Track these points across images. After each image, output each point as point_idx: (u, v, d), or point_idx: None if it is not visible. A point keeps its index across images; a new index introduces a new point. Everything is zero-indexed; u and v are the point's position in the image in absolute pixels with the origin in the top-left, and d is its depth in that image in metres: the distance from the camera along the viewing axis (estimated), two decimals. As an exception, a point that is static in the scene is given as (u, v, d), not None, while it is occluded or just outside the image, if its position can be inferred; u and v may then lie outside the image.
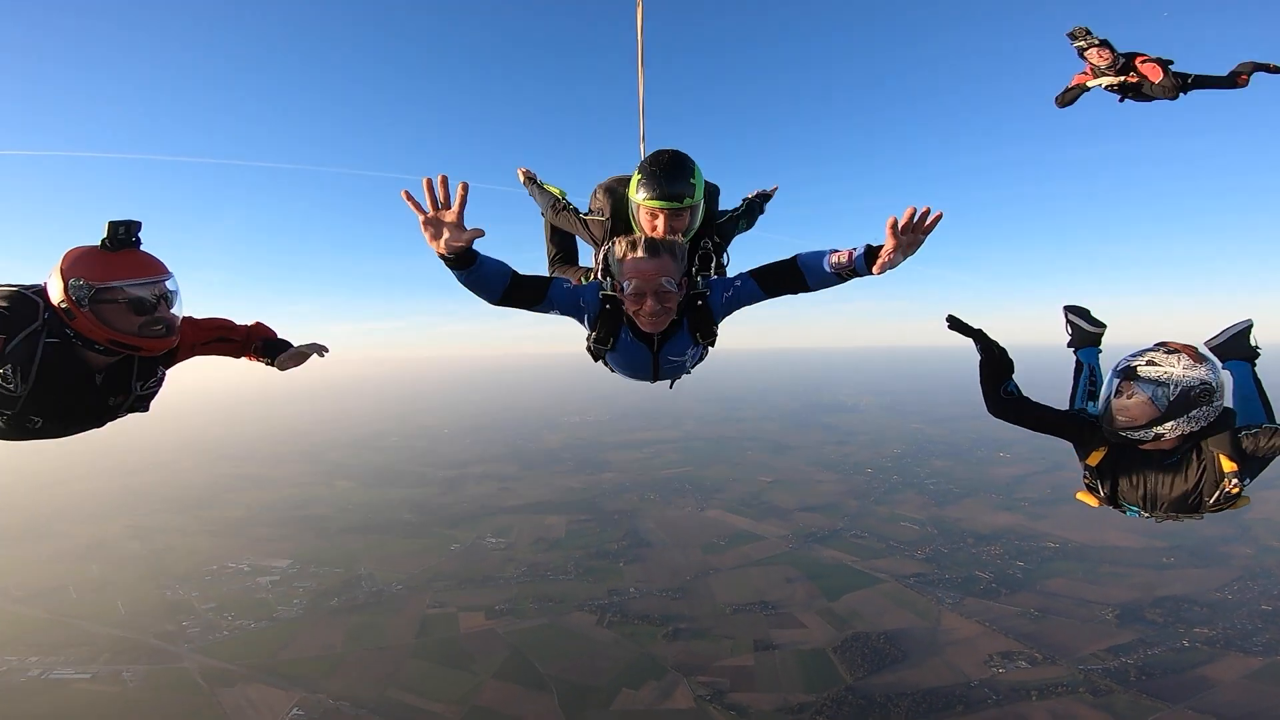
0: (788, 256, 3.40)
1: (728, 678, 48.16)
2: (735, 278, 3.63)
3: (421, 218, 2.81)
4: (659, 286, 3.24)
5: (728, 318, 3.72)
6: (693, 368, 4.06)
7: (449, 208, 2.80)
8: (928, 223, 2.97)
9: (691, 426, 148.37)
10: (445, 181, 2.77)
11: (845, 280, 3.33)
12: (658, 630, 55.05)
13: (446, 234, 2.86)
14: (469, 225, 2.86)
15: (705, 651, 49.56)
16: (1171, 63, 6.92)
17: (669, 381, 4.20)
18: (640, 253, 3.25)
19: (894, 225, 2.95)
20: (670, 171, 3.61)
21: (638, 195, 3.67)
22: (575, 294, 3.57)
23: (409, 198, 2.75)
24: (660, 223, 3.65)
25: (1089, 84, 7.24)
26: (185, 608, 59.06)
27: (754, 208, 4.61)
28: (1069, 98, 7.61)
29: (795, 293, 3.48)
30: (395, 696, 46.10)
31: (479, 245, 3.07)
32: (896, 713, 43.31)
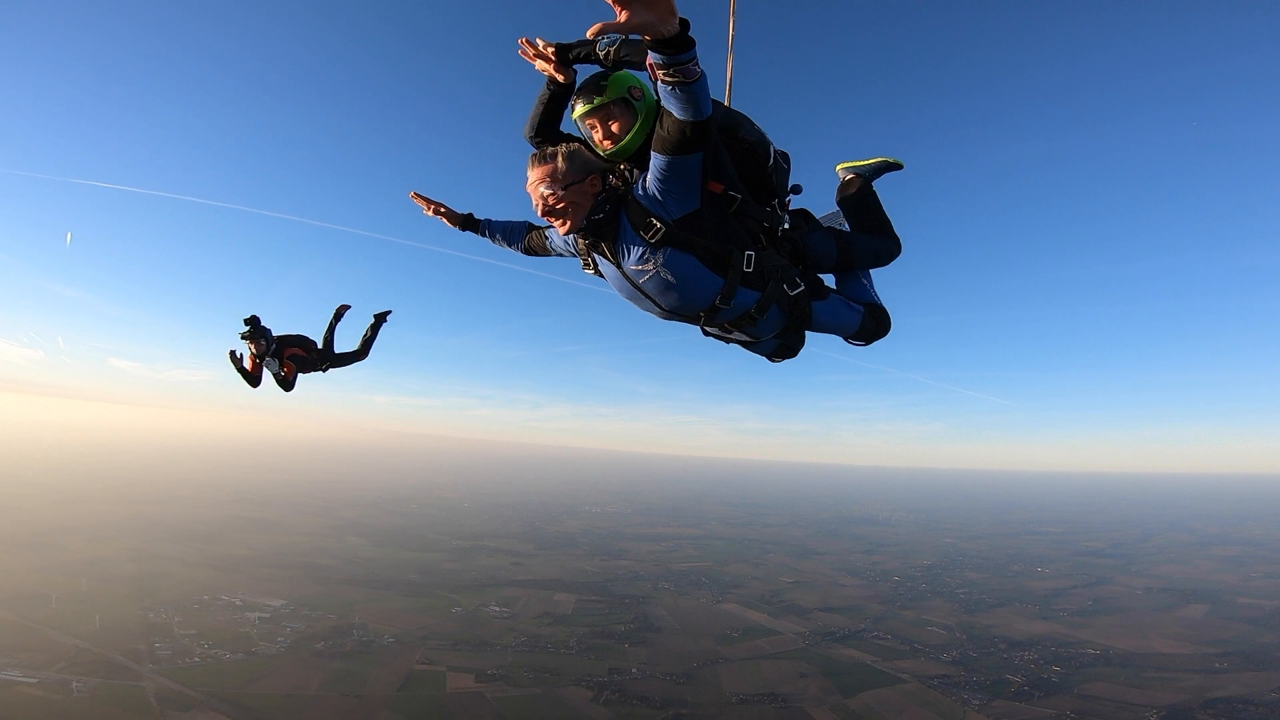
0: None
1: (732, 771, 41.16)
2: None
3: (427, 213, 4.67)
4: (541, 192, 3.35)
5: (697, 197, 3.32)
6: (710, 296, 3.53)
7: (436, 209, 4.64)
8: None
9: (714, 526, 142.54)
10: (419, 195, 4.54)
11: (677, 86, 2.71)
12: (657, 714, 48.06)
13: (445, 219, 4.65)
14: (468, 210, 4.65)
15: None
16: None
17: (699, 316, 3.73)
18: (528, 168, 3.41)
19: None
20: (586, 82, 3.64)
21: (574, 112, 3.71)
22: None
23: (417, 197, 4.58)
24: (599, 132, 3.62)
25: None
26: (163, 630, 54.96)
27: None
28: None
29: (682, 139, 3.00)
30: (361, 748, 40.44)
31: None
32: None
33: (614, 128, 3.57)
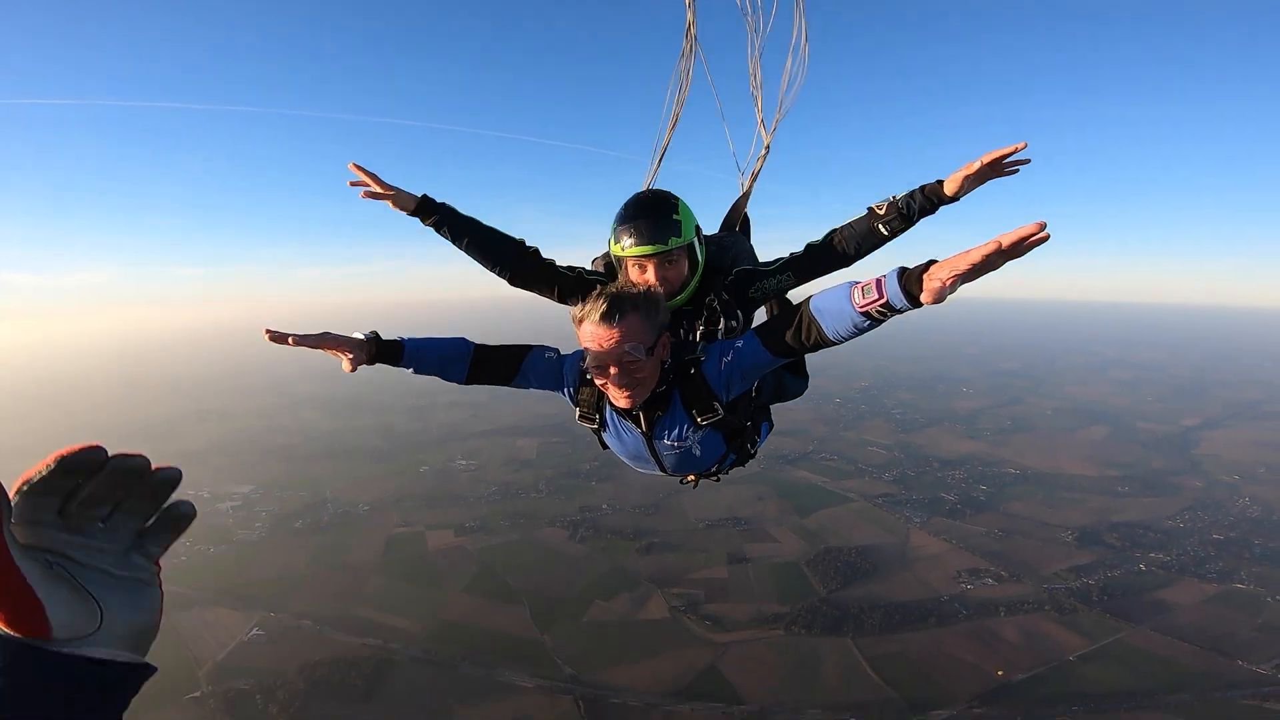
0: (799, 302, 2.64)
1: (702, 589, 47.91)
2: (738, 338, 2.86)
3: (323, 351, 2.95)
4: (622, 354, 2.65)
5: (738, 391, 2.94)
6: (722, 466, 3.43)
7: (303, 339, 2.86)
8: (1030, 241, 1.91)
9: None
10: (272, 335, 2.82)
11: (881, 323, 2.35)
12: (630, 545, 54.34)
13: (338, 351, 2.94)
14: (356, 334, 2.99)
15: (679, 564, 48.86)
16: None
17: (692, 479, 3.66)
18: (596, 315, 2.64)
19: (999, 247, 1.94)
20: (650, 212, 3.15)
21: (619, 246, 3.17)
22: (556, 365, 3.17)
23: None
24: (650, 274, 3.17)
25: None
26: None
27: (804, 261, 3.37)
28: None
29: (817, 349, 2.61)
30: (359, 613, 44.75)
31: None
32: (870, 623, 43.28)
33: (671, 275, 3.18)
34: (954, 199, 3.04)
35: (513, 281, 3.51)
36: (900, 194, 3.10)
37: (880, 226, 3.12)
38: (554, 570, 51.06)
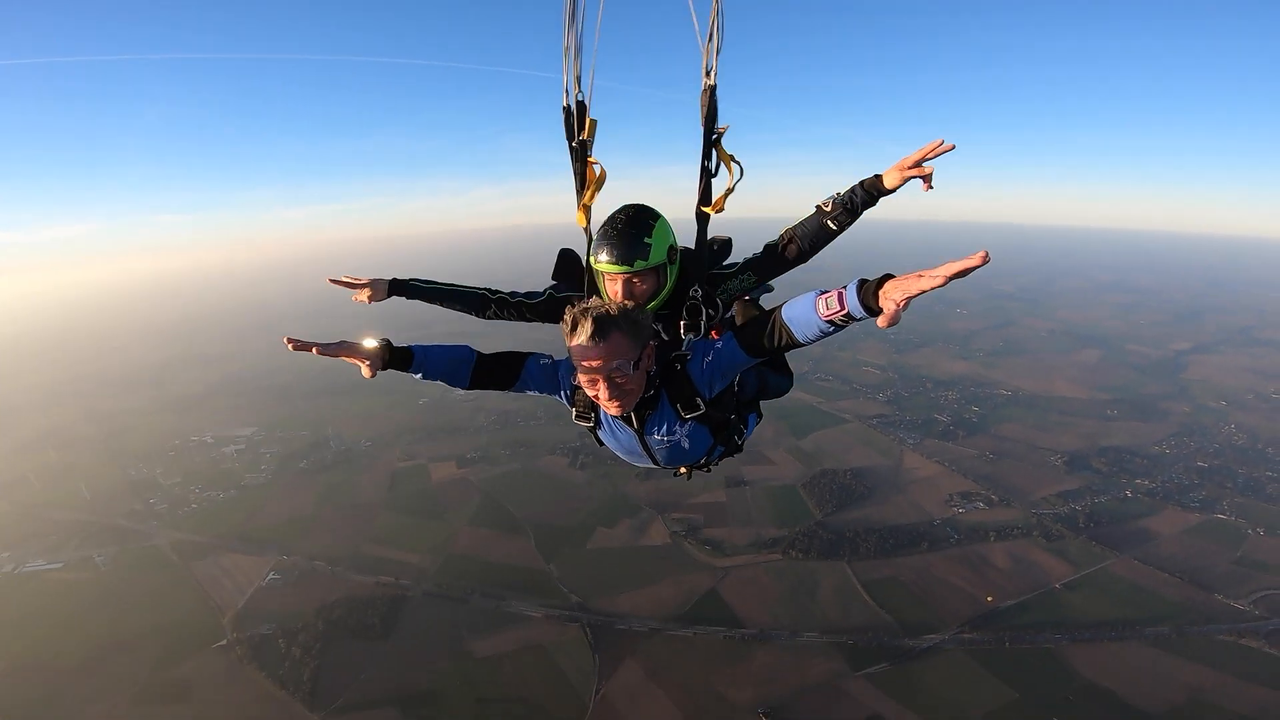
0: (772, 308, 2.93)
1: (701, 514, 48.83)
2: (718, 339, 3.15)
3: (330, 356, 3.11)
4: (610, 371, 2.91)
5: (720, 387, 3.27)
6: (711, 457, 3.79)
7: (325, 349, 3.05)
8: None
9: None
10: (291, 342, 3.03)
11: (843, 328, 2.72)
12: (630, 470, 54.40)
13: (356, 359, 3.16)
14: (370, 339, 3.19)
15: (678, 489, 49.42)
16: None
17: (684, 470, 3.96)
18: (583, 338, 2.85)
19: (922, 279, 2.40)
20: (625, 231, 3.39)
21: (595, 259, 3.45)
22: (551, 370, 3.42)
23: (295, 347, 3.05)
24: (619, 287, 3.45)
25: None
26: (150, 485, 57.85)
27: (764, 261, 3.69)
28: None
29: (788, 350, 2.95)
30: (370, 551, 46.08)
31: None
32: (865, 547, 44.24)
33: (639, 290, 3.46)
34: (892, 190, 3.26)
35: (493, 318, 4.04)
36: (843, 190, 3.35)
37: (829, 223, 3.39)
38: (556, 499, 52.13)
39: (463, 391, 3.55)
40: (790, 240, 3.52)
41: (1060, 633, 36.45)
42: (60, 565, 46.52)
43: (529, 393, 3.49)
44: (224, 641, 37.66)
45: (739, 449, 3.98)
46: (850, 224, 3.41)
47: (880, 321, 2.40)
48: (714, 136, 3.47)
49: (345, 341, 3.12)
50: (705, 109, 3.51)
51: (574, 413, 3.44)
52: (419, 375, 3.35)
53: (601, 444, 3.64)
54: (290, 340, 3.02)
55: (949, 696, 32.51)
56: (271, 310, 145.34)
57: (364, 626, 38.27)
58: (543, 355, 3.45)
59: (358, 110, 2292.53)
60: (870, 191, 3.26)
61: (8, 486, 59.50)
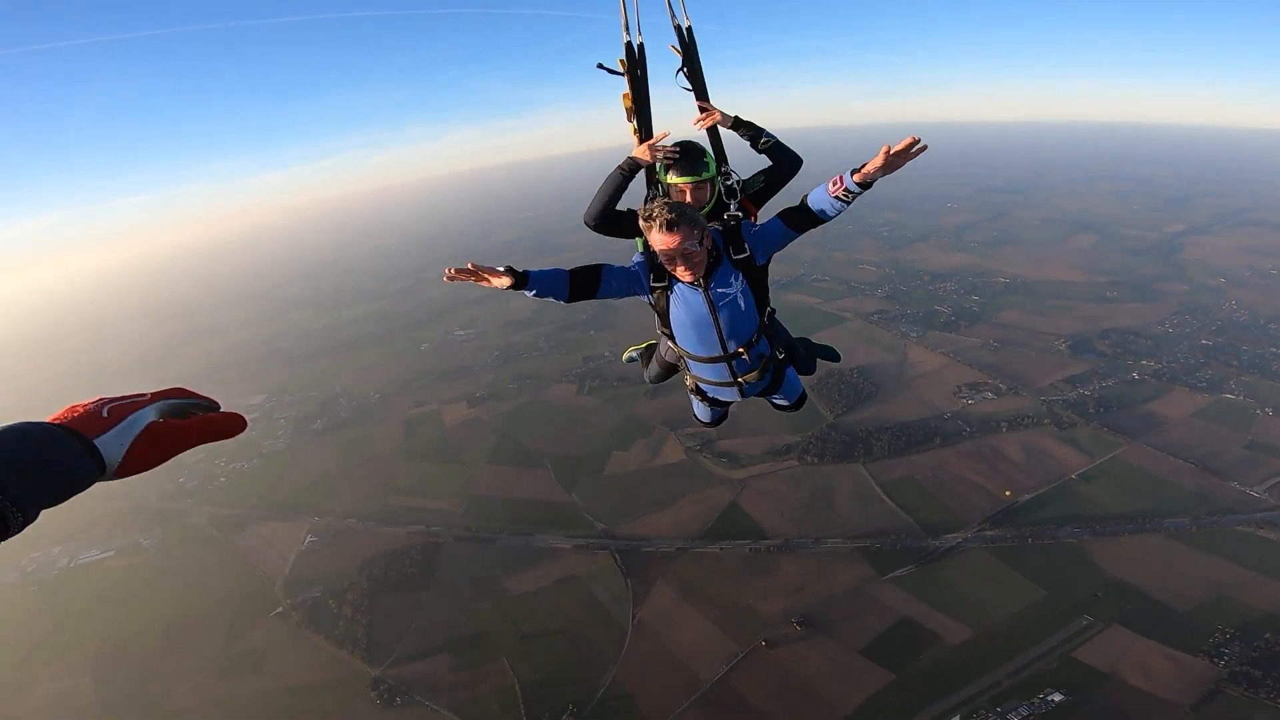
0: (800, 198, 4.17)
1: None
2: (767, 221, 4.34)
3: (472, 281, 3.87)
4: (683, 250, 3.99)
5: (769, 258, 4.45)
6: (750, 332, 4.59)
7: (481, 276, 3.82)
8: (913, 152, 3.67)
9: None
10: (455, 271, 3.72)
11: (849, 203, 3.99)
12: (638, 390, 54.71)
13: (494, 283, 3.89)
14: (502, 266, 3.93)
15: (688, 403, 49.94)
16: None
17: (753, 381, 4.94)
18: (659, 230, 3.93)
19: (888, 150, 3.64)
20: (690, 155, 4.72)
21: (669, 177, 4.77)
22: (625, 272, 4.31)
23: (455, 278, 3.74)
24: (688, 195, 4.76)
25: None
26: (175, 463, 57.40)
27: (770, 171, 5.16)
28: None
29: (817, 225, 4.16)
30: (397, 502, 47.25)
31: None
32: (879, 447, 44.22)
33: (699, 196, 4.78)
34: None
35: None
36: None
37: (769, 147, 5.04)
38: (569, 427, 52.59)
39: (564, 304, 4.16)
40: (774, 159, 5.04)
41: (1081, 527, 36.80)
42: (112, 553, 48.45)
43: (608, 297, 4.35)
44: (280, 609, 39.44)
45: (783, 380, 5.22)
46: (773, 144, 4.97)
47: (870, 168, 3.76)
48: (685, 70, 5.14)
49: (482, 266, 3.82)
50: (685, 48, 5.09)
51: (653, 280, 4.32)
52: (532, 293, 4.06)
53: (666, 327, 4.56)
54: (456, 269, 3.70)
55: (978, 597, 33.09)
56: (258, 281, 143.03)
57: (404, 578, 39.81)
58: (613, 265, 4.28)
59: (319, 70, 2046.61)
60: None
61: (38, 484, 60.82)
